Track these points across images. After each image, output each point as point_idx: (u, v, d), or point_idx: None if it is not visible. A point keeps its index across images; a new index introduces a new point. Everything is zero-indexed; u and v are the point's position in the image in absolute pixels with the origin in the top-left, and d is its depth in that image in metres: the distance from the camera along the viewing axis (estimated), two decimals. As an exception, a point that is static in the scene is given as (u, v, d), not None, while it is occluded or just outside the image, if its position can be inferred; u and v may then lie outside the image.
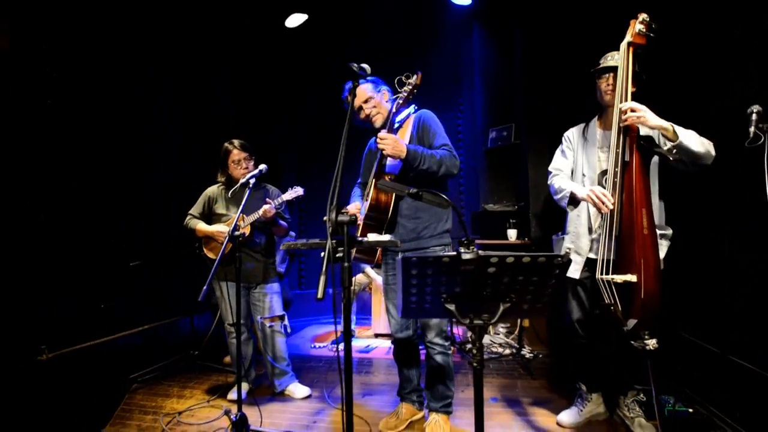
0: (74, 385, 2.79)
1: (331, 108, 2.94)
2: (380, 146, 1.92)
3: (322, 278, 1.23)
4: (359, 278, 4.30)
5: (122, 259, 3.42)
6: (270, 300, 2.91)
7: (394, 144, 1.91)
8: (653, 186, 2.07)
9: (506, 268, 1.29)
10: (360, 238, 1.48)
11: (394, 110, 2.10)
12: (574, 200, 2.18)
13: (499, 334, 3.97)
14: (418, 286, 1.38)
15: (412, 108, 2.24)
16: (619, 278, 1.84)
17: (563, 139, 2.35)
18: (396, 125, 2.16)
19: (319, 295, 1.20)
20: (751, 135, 1.58)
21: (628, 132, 1.94)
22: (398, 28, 4.87)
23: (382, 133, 1.93)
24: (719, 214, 2.32)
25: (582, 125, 2.31)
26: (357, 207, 2.22)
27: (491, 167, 4.56)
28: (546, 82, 3.78)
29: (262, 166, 2.78)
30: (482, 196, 4.52)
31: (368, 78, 2.15)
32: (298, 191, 2.76)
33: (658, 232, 2.02)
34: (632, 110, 1.87)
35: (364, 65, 1.68)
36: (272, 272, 2.97)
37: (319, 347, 4.08)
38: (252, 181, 2.67)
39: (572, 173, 2.28)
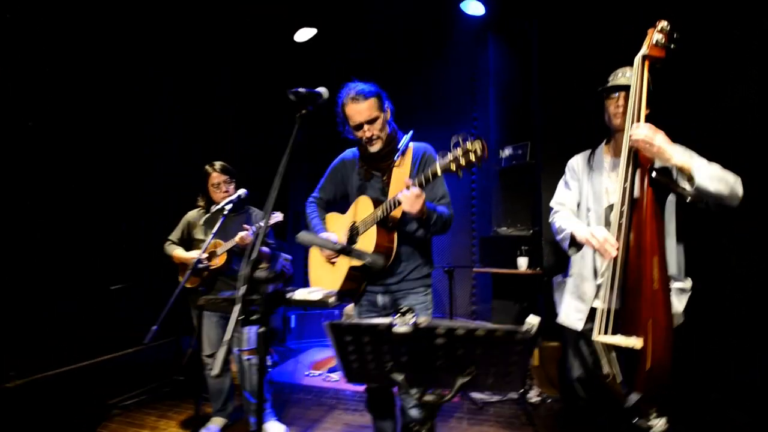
0: (46, 413, 2.70)
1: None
2: (403, 201, 1.67)
3: (222, 351, 1.02)
4: (348, 310, 4.08)
5: (110, 274, 3.35)
6: (249, 331, 2.74)
7: (420, 203, 1.67)
8: (669, 226, 1.77)
9: (457, 340, 1.09)
10: (292, 295, 1.26)
11: (401, 143, 1.89)
12: (575, 242, 1.92)
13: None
14: (357, 352, 1.20)
15: (408, 136, 2.00)
16: (621, 341, 1.55)
17: (566, 168, 2.12)
18: (396, 160, 1.94)
19: (215, 371, 0.99)
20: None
21: (639, 163, 1.67)
22: (409, 38, 4.71)
23: (415, 189, 1.65)
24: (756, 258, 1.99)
25: (588, 152, 2.07)
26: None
27: (505, 187, 4.28)
28: (565, 97, 3.50)
29: (242, 191, 2.70)
30: (495, 219, 4.25)
31: (372, 89, 1.89)
32: (277, 217, 2.65)
33: (674, 285, 1.73)
34: (645, 142, 1.61)
35: (320, 89, 1.48)
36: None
37: (314, 375, 3.88)
38: (228, 207, 2.57)
39: (578, 207, 2.03)
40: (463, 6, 4.11)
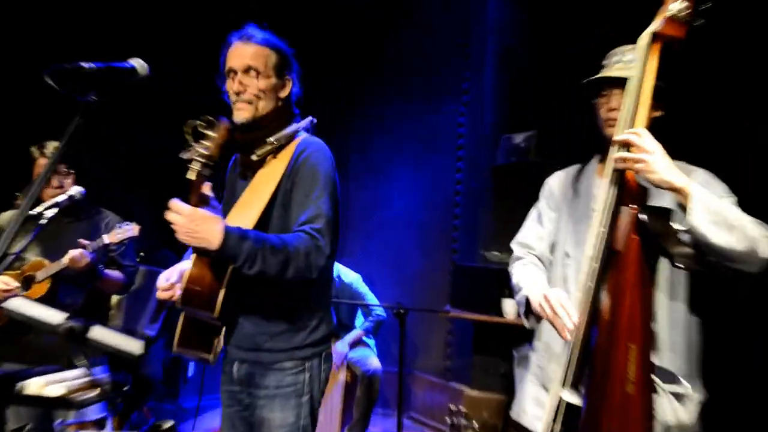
0: None
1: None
2: (171, 220, 1.55)
3: None
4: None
5: None
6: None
7: (193, 226, 1.53)
8: (674, 294, 1.63)
9: None
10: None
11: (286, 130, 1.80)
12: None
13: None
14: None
15: (306, 121, 1.91)
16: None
17: (541, 191, 2.04)
18: (269, 147, 1.81)
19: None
20: None
21: (625, 196, 1.50)
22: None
23: (174, 203, 1.54)
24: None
25: (575, 169, 1.99)
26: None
27: (500, 193, 4.17)
28: (593, 69, 3.36)
29: (76, 190, 2.51)
30: (482, 238, 4.12)
31: (276, 42, 1.83)
32: (129, 230, 2.59)
33: (669, 388, 1.55)
34: (632, 145, 1.48)
35: (132, 61, 1.49)
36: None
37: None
38: (48, 213, 2.37)
39: (552, 251, 1.95)
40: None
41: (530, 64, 4.05)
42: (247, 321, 1.81)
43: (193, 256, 1.66)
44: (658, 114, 1.71)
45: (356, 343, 3.85)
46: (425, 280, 4.54)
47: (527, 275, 1.88)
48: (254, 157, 1.77)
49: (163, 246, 4.31)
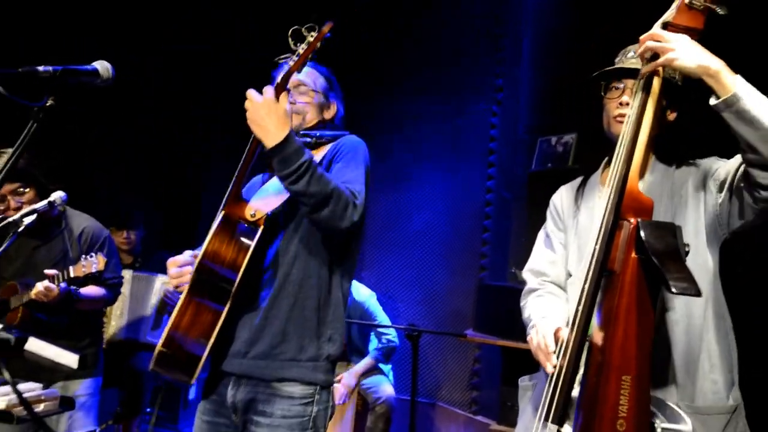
0: None
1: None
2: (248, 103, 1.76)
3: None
4: None
5: None
6: (71, 414, 2.69)
7: (263, 113, 1.73)
8: (718, 302, 1.68)
9: None
10: None
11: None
12: None
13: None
14: None
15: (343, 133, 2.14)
16: None
17: (548, 210, 2.07)
18: (309, 139, 2.05)
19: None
20: None
21: (625, 209, 1.46)
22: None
23: (251, 92, 1.78)
24: None
25: (578, 182, 2.02)
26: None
27: (534, 203, 4.03)
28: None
29: (56, 195, 2.55)
30: (514, 254, 4.05)
31: (325, 72, 2.19)
32: (93, 264, 2.63)
33: (667, 426, 1.48)
34: (654, 47, 1.53)
35: (96, 64, 1.56)
36: (90, 361, 2.85)
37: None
38: (27, 220, 2.51)
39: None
40: None
41: (571, 58, 3.94)
42: (252, 327, 1.84)
43: (212, 230, 1.77)
44: (673, 116, 1.74)
45: (365, 374, 3.85)
46: (450, 299, 4.47)
47: (539, 309, 1.87)
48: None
49: (160, 248, 4.43)
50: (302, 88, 2.09)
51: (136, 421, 4.12)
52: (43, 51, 3.90)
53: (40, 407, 1.41)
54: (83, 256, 2.67)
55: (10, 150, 2.62)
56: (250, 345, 1.82)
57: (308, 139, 2.01)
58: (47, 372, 2.56)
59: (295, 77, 1.95)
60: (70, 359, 1.39)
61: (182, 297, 1.78)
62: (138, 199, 5.07)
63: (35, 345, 1.43)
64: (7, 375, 1.30)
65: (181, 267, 1.83)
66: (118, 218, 3.92)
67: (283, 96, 1.80)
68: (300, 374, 1.81)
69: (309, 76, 2.11)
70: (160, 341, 1.75)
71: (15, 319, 2.67)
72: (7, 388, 1.65)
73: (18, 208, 2.65)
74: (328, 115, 2.14)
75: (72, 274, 2.63)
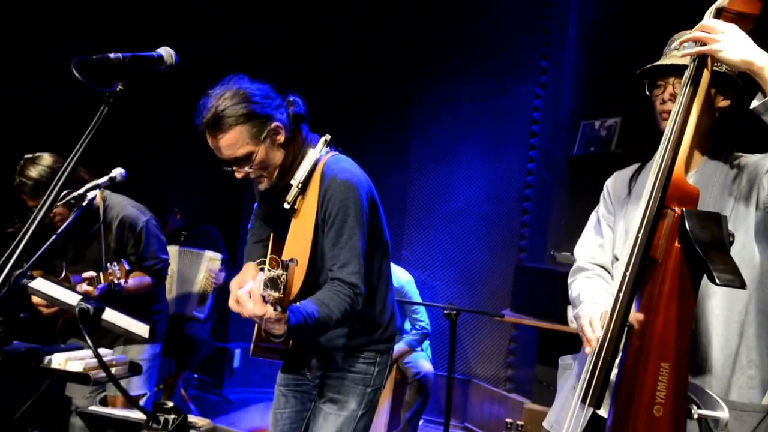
0: None
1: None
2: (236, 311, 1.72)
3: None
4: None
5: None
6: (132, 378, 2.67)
7: (256, 312, 1.63)
8: (756, 318, 1.62)
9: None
10: None
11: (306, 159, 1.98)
12: None
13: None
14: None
15: (321, 145, 2.02)
16: None
17: (602, 195, 2.05)
18: (295, 190, 1.97)
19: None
20: None
21: (665, 199, 1.46)
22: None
23: (241, 292, 1.65)
24: None
25: (633, 168, 1.99)
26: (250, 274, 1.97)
27: (575, 187, 4.07)
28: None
29: (117, 171, 2.53)
30: (553, 237, 4.07)
31: (237, 108, 1.82)
32: (116, 272, 2.62)
33: (705, 413, 1.50)
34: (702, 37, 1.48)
35: (161, 50, 1.58)
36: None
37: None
38: (90, 195, 2.49)
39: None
40: None
41: (618, 40, 3.91)
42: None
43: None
44: (725, 104, 1.68)
45: (400, 358, 3.95)
46: (489, 280, 4.52)
47: (590, 291, 1.87)
48: (286, 205, 1.96)
49: (205, 222, 4.53)
50: (242, 163, 1.88)
51: (180, 383, 4.30)
52: (43, 51, 3.99)
53: (111, 371, 1.55)
54: (110, 264, 2.69)
55: (46, 155, 2.73)
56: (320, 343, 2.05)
57: (294, 191, 1.93)
58: (107, 338, 2.78)
59: (225, 155, 1.86)
60: (141, 329, 1.50)
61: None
62: (182, 173, 5.20)
63: (111, 315, 1.56)
64: (90, 342, 1.42)
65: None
66: None
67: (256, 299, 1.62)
68: (367, 347, 2.07)
69: (235, 146, 1.85)
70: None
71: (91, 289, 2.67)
72: (82, 353, 1.78)
73: (60, 221, 2.64)
74: (280, 139, 1.90)
75: (102, 281, 2.65)
